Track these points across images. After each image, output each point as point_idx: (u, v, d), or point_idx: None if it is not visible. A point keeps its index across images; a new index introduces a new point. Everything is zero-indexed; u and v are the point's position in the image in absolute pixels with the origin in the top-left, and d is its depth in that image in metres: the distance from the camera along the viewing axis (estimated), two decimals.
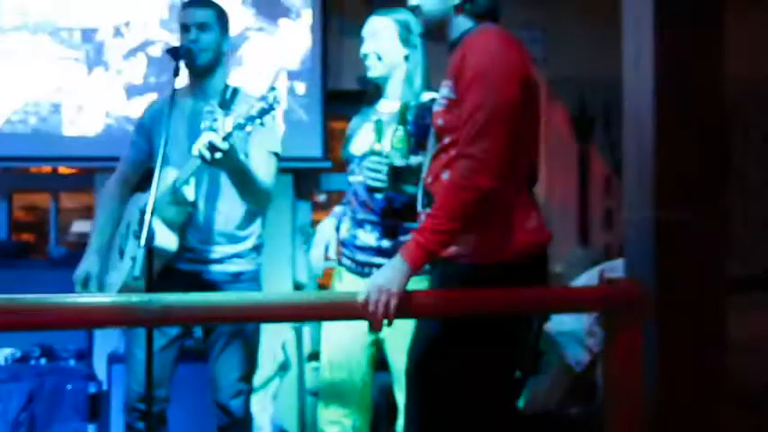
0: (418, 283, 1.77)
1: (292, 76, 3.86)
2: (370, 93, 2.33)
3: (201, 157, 2.06)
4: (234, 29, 3.86)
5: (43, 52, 3.81)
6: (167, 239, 2.27)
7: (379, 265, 2.05)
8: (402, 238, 2.12)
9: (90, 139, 3.82)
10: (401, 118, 2.04)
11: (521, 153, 1.71)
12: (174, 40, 3.79)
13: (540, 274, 1.79)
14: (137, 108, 3.81)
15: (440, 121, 1.76)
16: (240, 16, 3.86)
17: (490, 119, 1.63)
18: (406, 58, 2.25)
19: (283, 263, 3.91)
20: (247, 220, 2.39)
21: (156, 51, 3.82)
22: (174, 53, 2.25)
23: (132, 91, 3.83)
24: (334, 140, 3.80)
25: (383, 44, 2.23)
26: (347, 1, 3.93)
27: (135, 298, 1.61)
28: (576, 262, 3.20)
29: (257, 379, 3.56)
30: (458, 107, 1.69)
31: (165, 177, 2.18)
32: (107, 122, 3.83)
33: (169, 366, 2.38)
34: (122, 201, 2.49)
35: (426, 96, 2.19)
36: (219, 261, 2.35)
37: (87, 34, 3.83)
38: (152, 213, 2.00)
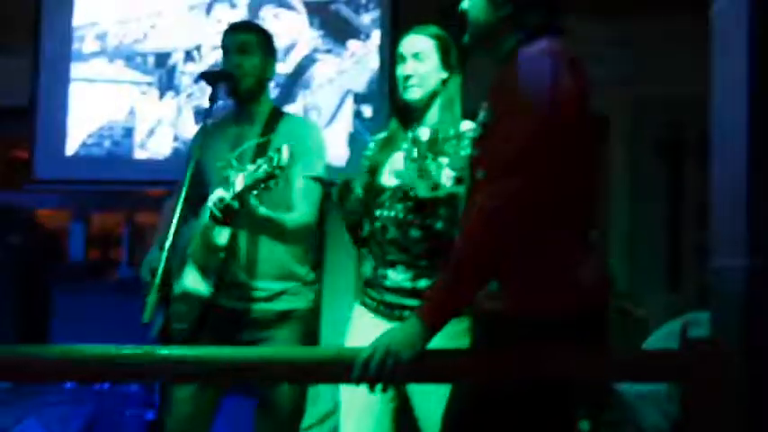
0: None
1: (359, 98, 3.72)
2: (404, 117, 2.11)
3: (213, 217, 1.91)
4: (301, 51, 3.86)
5: (119, 77, 3.88)
6: (199, 284, 2.11)
7: (412, 308, 1.83)
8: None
9: (160, 162, 3.83)
10: (429, 145, 1.82)
11: (570, 192, 1.42)
12: None
13: (597, 334, 1.48)
14: None
15: (475, 152, 1.50)
16: (308, 38, 3.77)
17: (525, 151, 1.35)
18: (446, 81, 2.04)
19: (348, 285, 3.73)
20: (295, 254, 2.20)
21: None
22: (209, 78, 2.11)
23: (201, 115, 3.82)
24: None
25: (423, 66, 2.03)
26: (418, 21, 3.76)
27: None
28: (661, 311, 2.79)
29: (313, 416, 3.38)
30: (492, 136, 1.43)
31: (202, 215, 2.04)
32: (175, 146, 3.83)
33: (207, 406, 2.18)
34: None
35: (466, 126, 1.97)
36: (267, 299, 2.15)
37: (161, 59, 3.86)
38: (165, 262, 1.82)
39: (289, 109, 3.75)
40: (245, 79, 2.16)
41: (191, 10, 3.86)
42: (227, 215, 1.89)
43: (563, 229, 1.43)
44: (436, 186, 1.76)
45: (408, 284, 1.97)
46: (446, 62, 2.03)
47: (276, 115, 2.22)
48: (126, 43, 3.89)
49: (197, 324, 2.08)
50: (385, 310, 2.00)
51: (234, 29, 2.24)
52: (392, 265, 1.99)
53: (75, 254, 4.18)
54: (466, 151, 1.72)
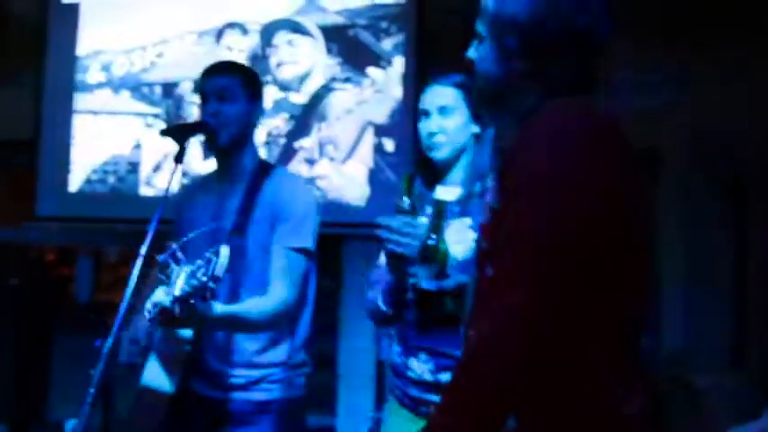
0: None
1: (380, 131, 3.41)
2: (426, 177, 1.81)
3: (152, 322, 1.64)
4: (317, 80, 3.58)
5: (124, 109, 3.64)
6: (160, 380, 1.79)
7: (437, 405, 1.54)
8: None
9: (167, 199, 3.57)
10: (437, 215, 1.52)
11: (602, 303, 1.06)
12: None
13: None
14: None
15: (483, 243, 1.16)
16: (324, 66, 3.49)
17: (535, 256, 1.01)
18: (475, 137, 1.75)
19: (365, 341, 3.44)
20: (279, 336, 1.87)
21: None
22: (175, 134, 1.77)
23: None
24: None
25: (452, 121, 1.74)
26: (444, 45, 3.45)
27: None
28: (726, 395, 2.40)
29: None
30: (501, 223, 1.08)
31: (162, 293, 1.68)
32: (183, 182, 3.56)
33: None
34: None
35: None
36: (243, 388, 1.84)
37: (168, 89, 3.61)
38: (114, 337, 1.54)
39: (303, 144, 3.50)
40: (225, 129, 1.85)
41: (199, 37, 3.60)
42: (168, 322, 1.60)
43: (595, 344, 1.06)
44: (442, 273, 1.45)
45: (430, 377, 1.67)
46: (476, 115, 1.73)
47: (263, 171, 1.92)
48: (132, 73, 3.65)
49: (173, 407, 1.77)
50: (410, 404, 1.72)
51: (212, 72, 1.92)
52: (413, 353, 1.71)
53: (82, 295, 3.94)
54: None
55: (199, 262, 1.53)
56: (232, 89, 1.87)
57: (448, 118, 1.73)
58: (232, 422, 1.81)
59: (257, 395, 1.83)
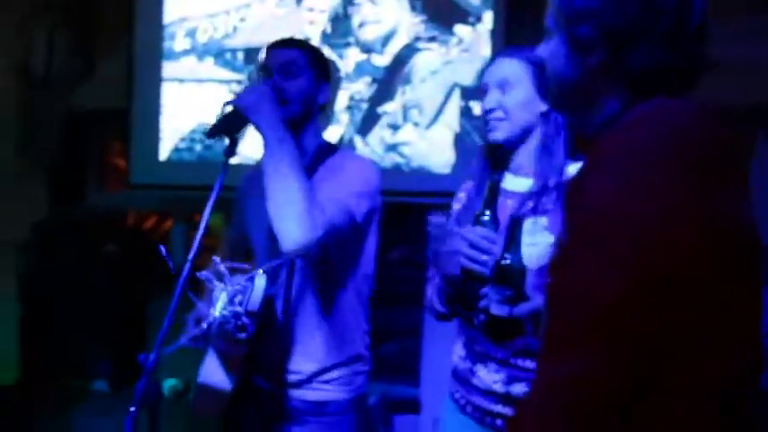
0: None
1: (468, 93, 3.20)
2: (491, 162, 1.60)
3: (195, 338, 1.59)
4: (401, 40, 3.39)
5: (209, 76, 3.60)
6: (218, 376, 1.72)
7: (504, 416, 1.42)
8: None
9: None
10: (513, 228, 1.31)
11: (688, 350, 0.85)
12: (337, 57, 3.36)
13: None
14: None
15: (548, 279, 0.96)
16: (408, 24, 3.29)
17: (595, 315, 0.81)
18: (545, 116, 1.52)
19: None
20: (339, 336, 1.75)
21: None
22: (227, 129, 1.61)
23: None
24: None
25: (514, 96, 1.53)
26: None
27: None
28: None
29: None
30: (571, 260, 0.88)
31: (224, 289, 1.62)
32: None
33: None
34: (235, 252, 2.00)
35: (573, 170, 1.45)
36: (297, 385, 1.74)
37: (251, 54, 3.54)
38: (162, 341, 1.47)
39: (386, 108, 3.35)
40: (287, 107, 1.71)
41: (280, 0, 3.49)
42: (208, 339, 1.54)
43: (676, 412, 0.85)
44: (517, 296, 1.25)
45: (501, 389, 1.51)
46: (544, 91, 1.50)
47: (324, 152, 1.78)
48: (215, 39, 3.59)
49: (235, 396, 1.72)
50: (474, 413, 1.56)
51: (277, 45, 1.79)
52: (481, 359, 1.54)
53: (177, 260, 4.01)
54: None
55: (237, 286, 1.47)
56: (298, 64, 1.73)
57: (508, 93, 1.52)
58: (287, 419, 1.73)
59: (312, 394, 1.73)
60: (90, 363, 3.77)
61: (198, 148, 3.65)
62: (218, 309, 1.49)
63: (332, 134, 3.40)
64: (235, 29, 3.56)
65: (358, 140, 3.35)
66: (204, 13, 3.61)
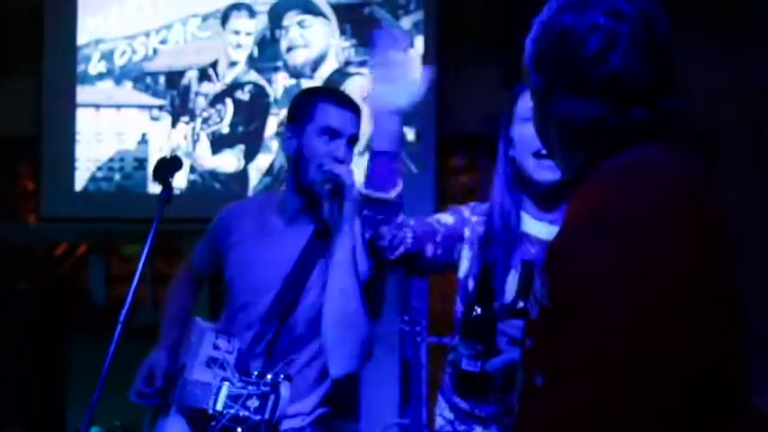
0: None
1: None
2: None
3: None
4: (331, 64, 3.29)
5: (127, 101, 3.41)
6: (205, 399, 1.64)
7: None
8: None
9: (175, 199, 3.35)
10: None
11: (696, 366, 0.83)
12: (264, 82, 3.23)
13: None
14: (224, 162, 3.31)
15: (528, 342, 0.92)
16: (339, 48, 3.21)
17: (593, 349, 0.80)
18: None
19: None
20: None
21: (245, 95, 3.28)
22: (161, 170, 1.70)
23: (219, 142, 3.32)
24: (448, 200, 3.02)
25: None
26: (471, 19, 3.15)
27: None
28: None
29: None
30: (555, 327, 0.84)
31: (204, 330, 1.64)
32: (191, 178, 3.35)
33: None
34: (196, 296, 2.00)
35: None
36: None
37: (172, 78, 3.37)
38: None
39: None
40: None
41: (204, 21, 3.34)
42: None
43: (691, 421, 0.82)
44: (486, 352, 1.16)
45: None
46: None
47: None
48: (134, 62, 3.41)
49: None
50: None
51: (351, 106, 1.69)
52: (482, 420, 1.42)
53: (97, 295, 3.78)
54: None
55: (251, 387, 1.43)
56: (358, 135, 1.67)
57: None
58: None
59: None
60: (2, 410, 3.50)
61: (117, 177, 3.44)
62: (221, 400, 1.49)
63: (261, 162, 3.27)
64: (155, 51, 3.38)
65: None
66: (121, 35, 3.42)
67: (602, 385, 0.79)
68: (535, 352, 0.87)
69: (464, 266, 1.47)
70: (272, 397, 1.43)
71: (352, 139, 1.65)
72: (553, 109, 0.92)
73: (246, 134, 3.27)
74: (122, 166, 3.43)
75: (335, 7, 3.22)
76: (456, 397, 1.45)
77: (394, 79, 1.33)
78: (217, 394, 1.50)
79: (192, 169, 3.34)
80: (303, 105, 1.70)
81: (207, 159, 3.32)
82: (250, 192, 3.26)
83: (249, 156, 3.27)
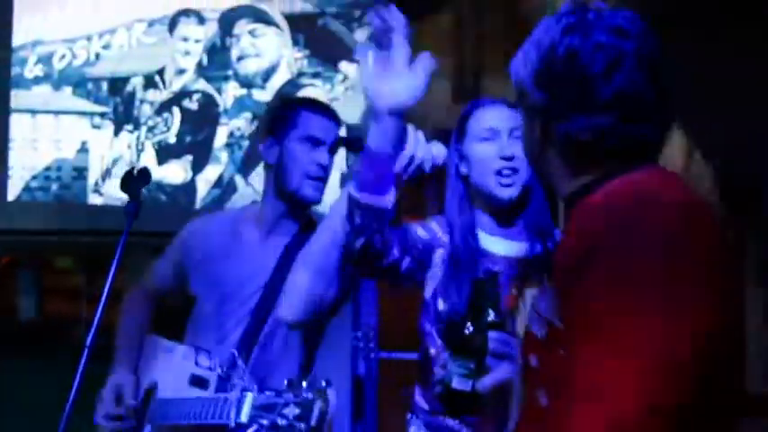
0: None
1: (353, 134, 3.10)
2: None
3: None
4: (283, 75, 3.23)
5: (67, 107, 3.25)
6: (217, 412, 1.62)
7: None
8: None
9: (117, 210, 3.21)
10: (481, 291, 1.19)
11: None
12: (214, 91, 3.14)
13: None
14: (170, 173, 3.20)
15: (533, 360, 0.92)
16: (291, 59, 3.15)
17: (610, 374, 0.79)
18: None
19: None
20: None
21: (193, 104, 3.18)
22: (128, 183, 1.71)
23: (165, 152, 3.20)
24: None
25: (521, 148, 1.40)
26: (430, 32, 3.14)
27: None
28: None
29: None
30: (562, 346, 0.83)
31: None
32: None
33: None
34: (152, 313, 1.97)
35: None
36: None
37: (115, 85, 3.23)
38: None
39: None
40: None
41: (150, 26, 3.22)
42: None
43: None
44: (479, 368, 1.13)
45: None
46: None
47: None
48: (75, 66, 3.25)
49: None
50: None
51: (329, 114, 1.77)
52: None
53: (27, 312, 3.58)
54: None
55: (286, 395, 1.38)
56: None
57: (519, 146, 1.35)
58: None
59: None
60: None
61: (54, 187, 3.27)
62: (245, 411, 1.47)
63: (210, 174, 3.17)
64: (98, 56, 3.24)
65: (239, 180, 3.14)
66: (61, 38, 3.26)
67: (620, 407, 0.78)
68: (541, 372, 0.87)
69: (430, 285, 1.45)
70: (317, 403, 1.39)
71: (333, 147, 1.69)
72: (559, 126, 0.93)
73: (194, 144, 3.17)
74: (60, 175, 3.26)
75: (288, 17, 3.16)
76: (440, 416, 1.42)
77: (394, 72, 1.24)
78: (239, 406, 1.47)
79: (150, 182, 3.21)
80: (285, 115, 1.76)
81: (152, 170, 3.20)
82: (197, 204, 3.16)
83: (197, 167, 3.16)
